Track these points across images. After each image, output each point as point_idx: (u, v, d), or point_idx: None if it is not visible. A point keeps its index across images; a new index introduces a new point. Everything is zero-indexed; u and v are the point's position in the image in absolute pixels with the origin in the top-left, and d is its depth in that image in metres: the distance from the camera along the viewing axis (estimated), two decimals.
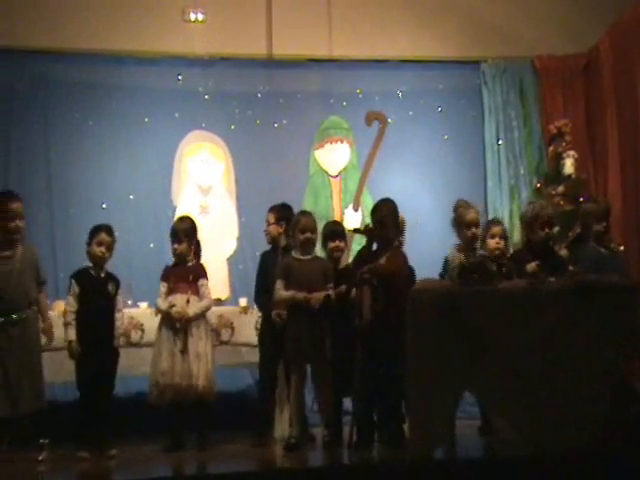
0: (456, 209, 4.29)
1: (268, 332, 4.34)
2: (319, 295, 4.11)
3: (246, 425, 4.37)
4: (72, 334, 4.15)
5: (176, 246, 4.39)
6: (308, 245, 4.24)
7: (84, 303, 4.20)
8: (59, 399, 4.74)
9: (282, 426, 4.43)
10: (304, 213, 4.47)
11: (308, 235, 4.22)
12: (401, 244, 4.21)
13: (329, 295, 4.14)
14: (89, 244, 4.28)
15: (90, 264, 4.28)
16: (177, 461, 4.05)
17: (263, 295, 4.40)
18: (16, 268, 4.04)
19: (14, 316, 3.98)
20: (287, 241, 4.41)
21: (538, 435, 3.49)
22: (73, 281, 4.25)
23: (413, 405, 3.65)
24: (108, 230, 4.33)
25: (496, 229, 4.45)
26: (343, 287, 4.19)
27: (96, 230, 4.30)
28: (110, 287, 4.28)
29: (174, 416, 4.29)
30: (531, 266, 3.88)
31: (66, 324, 4.18)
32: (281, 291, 4.18)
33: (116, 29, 5.69)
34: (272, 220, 4.50)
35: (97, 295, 4.23)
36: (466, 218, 4.24)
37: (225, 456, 4.11)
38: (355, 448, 3.97)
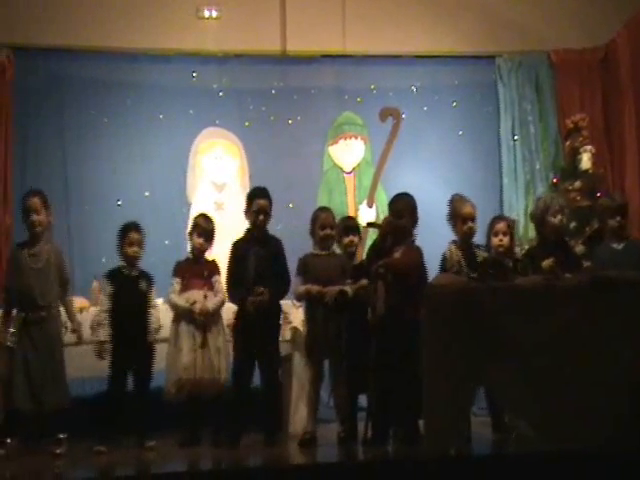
0: (451, 203, 4.27)
1: (242, 328, 4.26)
2: (333, 290, 4.11)
3: (260, 421, 4.37)
4: (104, 334, 4.19)
5: (202, 241, 4.43)
6: (327, 241, 4.29)
7: (117, 302, 4.25)
8: (76, 394, 4.76)
9: (296, 422, 4.44)
10: (323, 209, 4.50)
11: (327, 231, 4.27)
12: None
13: (345, 291, 4.14)
14: (120, 245, 4.32)
15: (123, 264, 4.33)
16: (193, 456, 4.08)
17: (237, 288, 4.29)
18: (40, 267, 4.10)
19: (34, 314, 4.03)
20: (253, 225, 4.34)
21: (554, 433, 3.47)
22: (106, 281, 4.29)
23: (428, 401, 3.64)
24: (136, 228, 4.38)
25: (499, 226, 4.42)
26: (364, 281, 4.18)
27: (125, 230, 4.35)
28: (142, 285, 4.33)
29: (191, 411, 4.32)
30: (547, 263, 3.86)
31: (98, 324, 4.22)
32: (299, 286, 4.18)
33: (131, 27, 5.72)
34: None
35: (130, 294, 4.28)
36: (462, 212, 4.21)
37: (240, 451, 4.12)
38: (370, 444, 3.97)
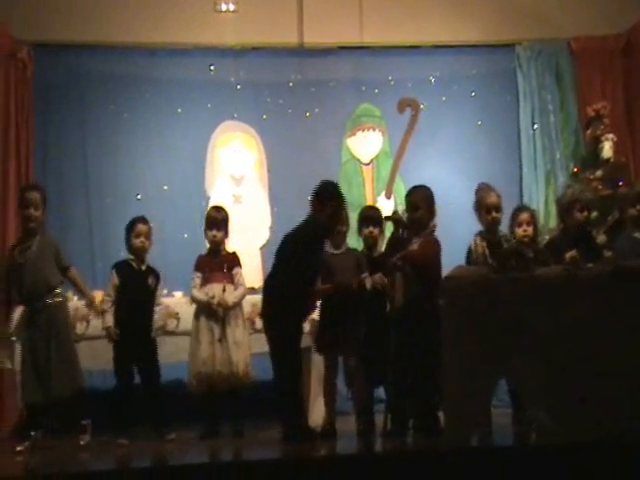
0: (477, 193, 4.23)
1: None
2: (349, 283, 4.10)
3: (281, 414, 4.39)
4: (109, 320, 4.24)
5: (215, 232, 4.44)
6: (339, 239, 4.24)
7: (124, 294, 4.28)
8: (97, 387, 4.82)
9: (315, 414, 4.44)
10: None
11: (338, 228, 4.22)
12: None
13: (363, 283, 4.12)
14: (128, 239, 4.36)
15: (132, 256, 4.35)
16: (213, 448, 4.10)
17: None
18: (32, 258, 4.12)
19: (37, 304, 4.07)
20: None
21: (575, 424, 3.44)
22: (114, 272, 4.33)
23: (448, 393, 3.63)
24: (143, 220, 4.41)
25: (523, 216, 4.37)
26: (377, 276, 4.16)
27: (132, 223, 4.39)
28: (150, 281, 4.36)
29: (211, 403, 4.34)
30: (570, 254, 3.82)
31: (103, 311, 4.27)
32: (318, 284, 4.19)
33: (149, 22, 5.74)
34: None
35: (136, 288, 4.32)
36: (486, 201, 4.17)
37: (260, 443, 4.15)
38: (389, 436, 3.96)
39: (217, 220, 4.46)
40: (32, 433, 4.04)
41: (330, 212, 4.06)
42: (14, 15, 5.39)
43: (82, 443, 4.03)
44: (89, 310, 4.27)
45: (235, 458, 3.89)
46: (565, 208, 4.15)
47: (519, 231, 4.32)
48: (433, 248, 4.05)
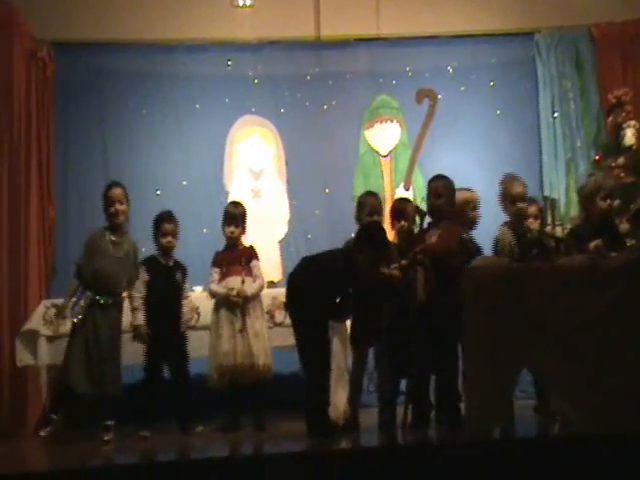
0: (502, 183, 4.19)
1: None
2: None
3: (301, 406, 4.40)
4: (140, 318, 4.27)
5: (233, 229, 4.46)
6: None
7: (152, 291, 4.32)
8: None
9: (336, 407, 4.43)
10: (370, 194, 4.44)
11: (375, 218, 4.21)
12: (474, 223, 4.18)
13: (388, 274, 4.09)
14: (155, 236, 4.40)
15: (159, 252, 4.40)
16: (235, 441, 4.13)
17: None
18: (118, 256, 4.22)
19: (100, 297, 4.14)
20: None
21: (599, 416, 3.40)
22: (143, 268, 4.36)
23: (471, 384, 3.61)
24: (169, 218, 4.45)
25: (530, 209, 4.36)
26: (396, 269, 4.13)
27: (157, 221, 4.43)
28: (178, 276, 4.40)
29: (232, 396, 4.36)
30: (594, 243, 3.77)
31: (134, 309, 4.30)
32: None
33: (166, 18, 5.77)
34: None
35: (165, 284, 4.35)
36: (512, 192, 4.13)
37: (282, 436, 4.16)
38: (411, 429, 3.95)
39: (235, 216, 4.48)
40: (53, 416, 4.10)
41: (367, 257, 3.91)
42: (34, 15, 5.43)
43: (106, 439, 4.08)
44: (133, 331, 4.26)
45: (256, 451, 3.90)
46: (587, 197, 4.10)
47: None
48: (453, 237, 4.02)
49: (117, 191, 4.29)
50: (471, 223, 4.23)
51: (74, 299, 4.21)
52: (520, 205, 4.12)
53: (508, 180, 4.18)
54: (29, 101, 5.27)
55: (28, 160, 5.19)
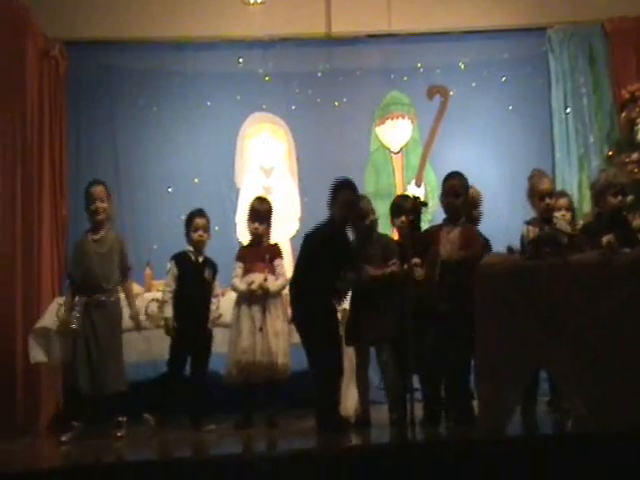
0: (530, 179, 4.16)
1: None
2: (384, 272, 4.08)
3: (312, 403, 4.40)
4: (169, 311, 4.29)
5: (257, 225, 4.46)
6: (365, 229, 4.22)
7: (181, 286, 4.34)
8: (132, 378, 4.87)
9: (348, 404, 4.43)
10: (360, 197, 4.40)
11: (372, 218, 4.20)
12: (477, 219, 4.15)
13: (391, 272, 4.09)
14: (187, 232, 4.42)
15: (191, 248, 4.40)
16: (249, 438, 4.13)
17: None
18: (103, 253, 4.21)
19: (95, 297, 4.13)
20: None
21: (612, 413, 3.38)
22: (173, 262, 4.38)
23: (483, 381, 3.59)
24: (201, 214, 4.47)
25: (561, 201, 4.33)
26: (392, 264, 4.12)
27: (190, 217, 4.46)
28: (207, 273, 4.41)
29: (246, 393, 4.37)
30: (607, 239, 3.74)
31: (163, 302, 4.33)
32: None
33: (176, 16, 5.78)
34: None
35: (194, 280, 4.36)
36: (539, 188, 4.09)
37: (295, 434, 4.16)
38: (422, 426, 3.94)
39: (260, 212, 4.48)
40: (75, 424, 4.11)
41: (342, 203, 4.04)
42: (46, 14, 5.46)
43: (119, 434, 4.10)
44: (132, 322, 4.29)
45: (269, 448, 3.91)
46: (599, 193, 4.07)
47: (557, 216, 4.25)
48: (479, 242, 4.02)
49: (98, 189, 4.28)
50: (475, 220, 4.22)
51: (74, 309, 4.20)
52: (548, 201, 4.09)
53: (535, 176, 4.15)
54: (42, 99, 5.31)
55: (40, 158, 5.23)
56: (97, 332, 4.13)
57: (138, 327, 4.33)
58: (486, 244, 4.16)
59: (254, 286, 4.29)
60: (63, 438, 4.06)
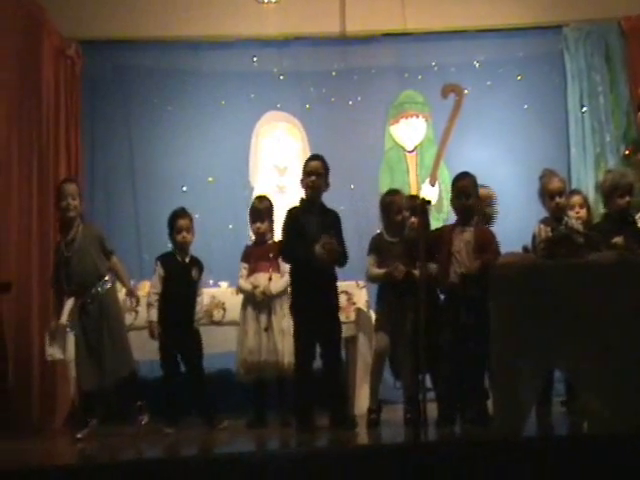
0: (541, 179, 4.15)
1: (299, 304, 4.11)
2: (401, 269, 4.07)
3: (326, 402, 4.40)
4: (153, 315, 4.30)
5: (259, 225, 4.45)
6: (396, 227, 4.21)
7: (168, 287, 4.35)
8: (145, 376, 4.90)
9: (361, 403, 4.43)
10: (394, 192, 4.39)
11: (404, 215, 4.21)
12: (491, 219, 4.15)
13: (412, 273, 4.08)
14: (170, 233, 4.42)
15: (176, 249, 4.41)
16: (261, 436, 4.14)
17: (295, 246, 4.10)
18: (77, 249, 4.19)
19: (88, 294, 4.14)
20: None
21: (630, 414, 3.34)
22: (159, 263, 4.39)
23: (499, 382, 3.57)
24: (182, 214, 4.44)
25: (575, 199, 4.33)
26: (433, 266, 4.10)
27: (171, 218, 4.44)
28: (194, 273, 4.41)
29: (257, 392, 4.37)
30: (616, 240, 3.72)
31: (149, 304, 4.34)
32: (374, 268, 4.18)
33: (191, 15, 5.79)
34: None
35: (180, 280, 4.36)
36: (549, 187, 4.10)
37: (306, 432, 4.15)
38: (437, 426, 3.93)
39: (260, 211, 4.47)
40: (90, 421, 4.13)
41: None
42: (62, 13, 5.50)
43: (143, 423, 4.12)
44: (129, 299, 4.30)
45: (282, 447, 3.91)
46: (606, 194, 4.05)
47: (572, 214, 4.25)
48: (495, 242, 4.01)
49: (71, 186, 4.27)
50: (488, 219, 4.20)
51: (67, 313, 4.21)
52: (558, 200, 4.08)
53: (546, 176, 4.15)
54: (57, 99, 5.34)
55: (56, 157, 5.26)
56: (95, 326, 4.13)
57: (137, 303, 4.31)
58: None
59: (257, 293, 4.29)
60: (79, 435, 4.08)
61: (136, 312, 4.40)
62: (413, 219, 4.27)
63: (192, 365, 4.34)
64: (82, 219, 4.30)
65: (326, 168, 4.21)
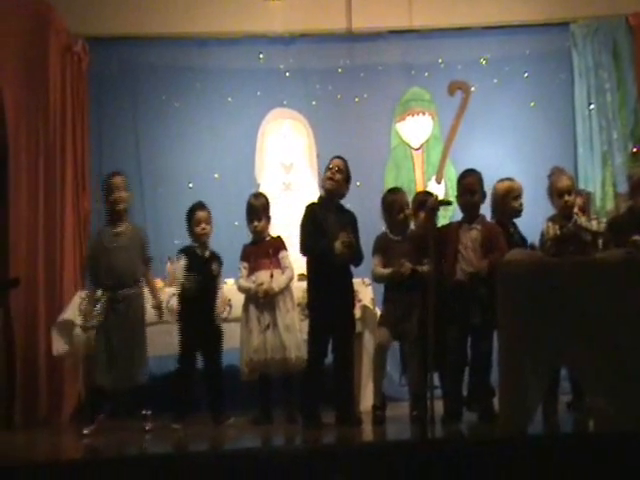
0: (549, 177, 4.15)
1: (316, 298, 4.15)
2: (407, 267, 4.07)
3: (332, 399, 4.40)
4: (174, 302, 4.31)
5: (256, 223, 4.44)
6: (400, 225, 4.20)
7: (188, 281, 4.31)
8: (153, 372, 4.91)
9: (367, 400, 4.44)
10: (396, 190, 4.40)
11: (406, 213, 4.21)
12: (519, 212, 4.19)
13: (417, 270, 4.09)
14: (189, 227, 4.41)
15: (195, 243, 4.41)
16: (266, 433, 4.15)
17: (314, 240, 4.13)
18: (124, 246, 4.21)
19: (121, 292, 4.14)
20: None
21: (636, 412, 3.34)
22: (180, 256, 4.38)
23: (505, 380, 3.57)
24: (201, 206, 4.46)
25: (579, 200, 4.31)
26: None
27: (190, 211, 4.44)
28: (214, 266, 4.40)
29: (263, 389, 4.38)
30: (634, 239, 3.71)
31: (172, 295, 4.36)
32: (379, 268, 4.19)
33: (198, 12, 5.79)
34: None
35: (201, 274, 4.35)
36: (558, 185, 4.10)
37: (312, 429, 4.15)
38: (443, 423, 3.93)
39: (257, 209, 4.44)
40: (97, 416, 4.14)
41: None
42: (69, 10, 5.51)
43: (147, 428, 4.12)
44: (155, 312, 4.29)
45: (288, 443, 3.92)
46: (633, 188, 4.03)
47: (578, 212, 4.23)
48: (502, 239, 4.01)
49: (118, 179, 4.30)
50: (515, 212, 4.18)
51: (95, 304, 4.20)
52: (567, 198, 4.07)
53: (555, 174, 4.15)
54: (64, 95, 5.35)
55: (63, 153, 5.27)
56: (121, 326, 4.14)
57: (160, 317, 4.31)
58: (522, 240, 4.14)
59: (261, 290, 4.27)
60: (85, 431, 4.09)
61: (161, 317, 4.35)
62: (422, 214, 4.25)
63: (212, 361, 4.33)
64: (130, 215, 4.34)
65: (348, 172, 4.27)
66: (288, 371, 4.31)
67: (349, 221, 4.21)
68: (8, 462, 3.35)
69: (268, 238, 4.48)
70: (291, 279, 4.42)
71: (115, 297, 4.14)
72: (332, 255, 4.02)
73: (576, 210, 4.26)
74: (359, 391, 4.58)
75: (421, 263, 4.09)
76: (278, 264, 4.39)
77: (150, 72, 5.77)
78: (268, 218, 4.48)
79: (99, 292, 4.20)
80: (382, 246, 4.23)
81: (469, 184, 4.10)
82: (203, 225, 4.39)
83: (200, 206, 4.45)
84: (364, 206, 5.59)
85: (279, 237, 4.51)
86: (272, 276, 4.34)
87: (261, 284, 4.30)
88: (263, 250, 4.42)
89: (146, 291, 4.28)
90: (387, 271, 4.16)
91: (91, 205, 5.46)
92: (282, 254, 4.41)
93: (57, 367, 4.89)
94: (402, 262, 4.10)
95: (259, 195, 4.60)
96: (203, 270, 4.37)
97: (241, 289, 4.42)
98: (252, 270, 4.39)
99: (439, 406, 3.95)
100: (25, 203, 4.97)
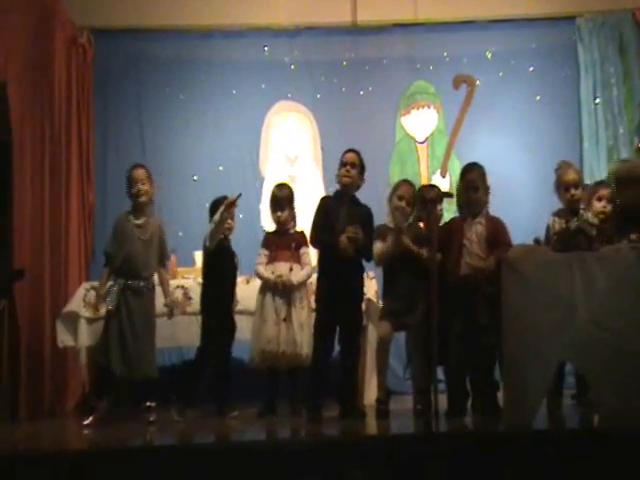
0: (556, 171, 4.13)
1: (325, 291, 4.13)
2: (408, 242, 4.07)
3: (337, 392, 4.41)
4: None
5: (279, 213, 4.43)
6: (398, 212, 4.21)
7: (214, 273, 4.31)
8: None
9: (370, 394, 4.44)
10: (406, 182, 4.39)
11: (402, 204, 4.20)
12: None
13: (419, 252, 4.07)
14: (211, 220, 4.38)
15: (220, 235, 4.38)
16: (271, 425, 4.16)
17: (325, 232, 4.15)
18: (144, 239, 4.23)
19: (133, 283, 4.16)
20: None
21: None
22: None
23: (510, 374, 3.58)
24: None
25: (605, 192, 4.22)
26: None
27: (214, 205, 4.40)
28: (236, 259, 4.42)
29: (269, 381, 4.39)
30: (637, 236, 3.70)
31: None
32: (378, 245, 4.18)
33: (203, 4, 5.78)
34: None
35: (227, 265, 4.36)
36: (564, 179, 4.07)
37: (316, 422, 4.17)
38: (446, 417, 3.94)
39: (280, 199, 4.43)
40: (96, 407, 4.15)
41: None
42: (74, 2, 5.51)
43: (151, 419, 4.13)
44: (168, 310, 4.30)
45: (293, 436, 3.93)
46: (620, 182, 4.01)
47: (598, 206, 4.18)
48: (507, 234, 4.00)
49: (139, 171, 4.30)
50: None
51: (108, 286, 4.22)
52: (573, 192, 4.05)
53: (561, 168, 4.12)
54: (69, 87, 5.35)
55: (68, 145, 5.28)
56: (132, 318, 4.15)
57: (170, 317, 4.32)
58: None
59: (279, 282, 4.26)
60: (85, 422, 4.11)
61: (172, 315, 4.34)
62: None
63: (225, 352, 4.34)
64: (153, 207, 4.34)
65: (362, 163, 4.26)
66: (297, 366, 4.31)
67: (363, 215, 4.21)
68: (13, 453, 3.37)
69: (292, 231, 4.47)
70: (309, 276, 4.40)
71: (127, 286, 4.16)
72: (337, 249, 4.02)
73: (604, 203, 4.22)
74: (363, 384, 4.58)
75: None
76: (298, 259, 4.37)
77: (155, 64, 5.77)
78: (292, 209, 4.46)
79: (110, 282, 4.20)
80: (382, 233, 4.22)
81: (472, 180, 4.08)
82: (229, 221, 4.38)
83: (224, 200, 4.39)
84: (369, 199, 5.59)
85: (303, 232, 4.47)
86: (291, 269, 4.32)
87: (280, 276, 4.29)
88: (285, 242, 4.40)
89: (158, 288, 4.30)
90: (384, 244, 4.12)
91: (96, 197, 5.47)
92: (303, 250, 4.40)
93: (62, 358, 4.90)
94: (398, 227, 4.07)
95: (283, 186, 4.57)
96: (230, 262, 4.37)
97: (260, 276, 4.39)
98: (271, 260, 4.37)
99: (443, 400, 3.95)
100: (30, 195, 4.98)
